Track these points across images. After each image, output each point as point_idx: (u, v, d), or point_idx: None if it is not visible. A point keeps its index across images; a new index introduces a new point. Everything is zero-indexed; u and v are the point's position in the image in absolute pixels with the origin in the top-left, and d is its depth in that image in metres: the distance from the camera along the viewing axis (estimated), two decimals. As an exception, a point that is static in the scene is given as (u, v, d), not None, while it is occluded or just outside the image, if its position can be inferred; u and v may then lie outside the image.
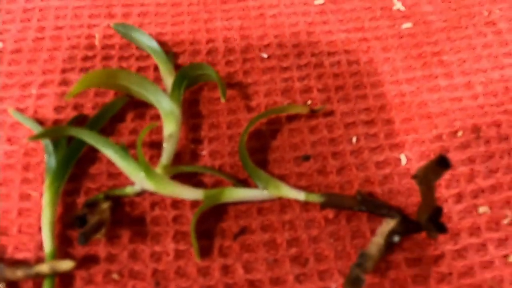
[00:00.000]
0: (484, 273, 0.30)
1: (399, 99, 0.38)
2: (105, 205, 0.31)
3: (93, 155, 0.35)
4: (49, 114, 0.37)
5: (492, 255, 0.31)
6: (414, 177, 0.28)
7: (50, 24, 0.42)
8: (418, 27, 0.43)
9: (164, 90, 0.37)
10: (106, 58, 0.40)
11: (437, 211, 0.28)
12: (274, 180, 0.33)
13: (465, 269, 0.30)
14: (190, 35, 0.42)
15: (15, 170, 0.34)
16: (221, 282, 0.30)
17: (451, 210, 0.32)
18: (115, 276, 0.30)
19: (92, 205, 0.31)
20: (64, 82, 0.38)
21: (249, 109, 0.37)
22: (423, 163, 0.34)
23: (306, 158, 0.35)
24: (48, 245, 0.30)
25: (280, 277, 0.30)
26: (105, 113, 0.36)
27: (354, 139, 0.36)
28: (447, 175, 0.34)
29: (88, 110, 0.37)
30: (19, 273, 0.28)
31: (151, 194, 0.33)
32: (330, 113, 0.37)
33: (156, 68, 0.39)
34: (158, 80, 0.38)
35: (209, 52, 0.41)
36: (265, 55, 0.40)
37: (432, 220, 0.28)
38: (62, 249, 0.31)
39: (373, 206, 0.32)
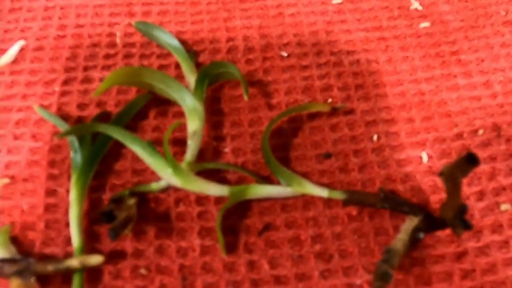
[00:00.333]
0: (507, 270, 0.31)
1: (419, 97, 0.38)
2: (131, 201, 0.31)
3: (117, 152, 0.35)
4: (73, 111, 0.37)
5: (514, 252, 0.31)
6: (440, 174, 0.28)
7: (71, 22, 0.42)
8: (435, 27, 0.43)
9: (187, 87, 0.37)
10: (128, 56, 0.40)
11: (463, 208, 0.29)
12: (297, 177, 0.33)
13: (488, 266, 0.31)
14: (210, 34, 0.42)
15: (40, 166, 0.34)
16: (247, 277, 0.30)
17: (473, 207, 0.33)
18: (142, 271, 0.30)
19: (118, 201, 0.32)
20: (87, 80, 0.39)
21: (270, 107, 0.38)
22: (444, 161, 0.35)
23: (328, 155, 0.35)
24: (76, 240, 0.30)
25: (305, 273, 0.30)
26: (128, 110, 0.36)
27: (375, 137, 0.36)
28: (468, 173, 0.34)
29: (111, 107, 0.37)
30: (49, 267, 0.28)
31: (175, 190, 0.33)
32: (351, 111, 0.38)
33: (177, 66, 0.40)
34: (179, 78, 0.39)
35: (229, 51, 0.41)
36: (284, 54, 0.41)
37: (458, 217, 0.28)
38: (89, 244, 0.31)
39: (396, 203, 0.32)
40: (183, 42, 0.41)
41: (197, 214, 0.33)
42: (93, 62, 0.40)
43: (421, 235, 0.29)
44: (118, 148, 0.35)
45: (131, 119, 0.36)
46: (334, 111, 0.37)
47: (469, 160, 0.26)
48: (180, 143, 0.35)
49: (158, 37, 0.40)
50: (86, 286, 0.29)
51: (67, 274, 0.30)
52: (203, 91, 0.36)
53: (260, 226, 0.32)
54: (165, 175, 0.31)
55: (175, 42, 0.39)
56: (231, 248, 0.31)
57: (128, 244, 0.31)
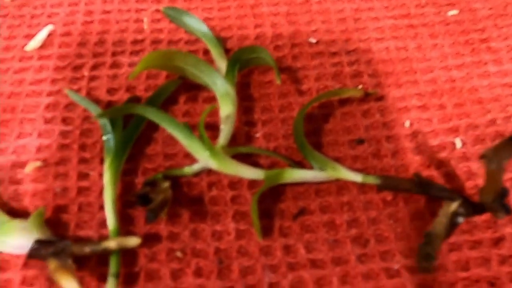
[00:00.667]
0: (545, 256, 0.30)
1: (450, 84, 0.38)
2: (166, 184, 0.31)
3: (148, 136, 0.35)
4: (102, 96, 0.37)
5: (552, 238, 0.31)
6: (482, 156, 0.28)
7: (98, 8, 0.42)
8: (464, 14, 0.43)
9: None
10: (155, 42, 0.40)
11: (504, 192, 0.28)
12: (331, 162, 0.33)
13: (526, 251, 0.30)
14: (238, 20, 0.42)
15: (72, 150, 0.34)
16: (283, 261, 0.30)
17: (509, 193, 0.32)
18: (178, 254, 0.30)
19: (152, 185, 0.31)
20: (115, 65, 0.39)
21: (300, 93, 0.38)
22: (478, 147, 0.34)
23: (360, 141, 0.35)
24: (111, 222, 0.30)
25: (341, 257, 0.30)
26: (158, 95, 0.36)
27: (407, 123, 0.36)
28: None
29: (141, 92, 0.37)
30: (86, 249, 0.28)
31: (208, 174, 0.33)
32: (381, 98, 0.37)
33: (205, 52, 0.39)
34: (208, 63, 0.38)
35: (257, 37, 0.41)
36: (313, 40, 0.41)
37: (498, 201, 0.28)
38: (124, 227, 0.31)
39: (432, 188, 0.32)
40: (210, 29, 0.40)
41: (231, 198, 0.32)
42: (121, 47, 0.40)
43: (461, 219, 0.29)
44: (149, 133, 0.35)
45: (161, 104, 0.36)
46: (365, 98, 0.37)
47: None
48: (211, 128, 0.35)
49: (187, 22, 0.40)
50: (122, 268, 0.29)
51: (102, 257, 0.29)
52: (234, 76, 0.36)
53: (294, 210, 0.32)
54: (202, 157, 0.31)
55: (204, 28, 0.39)
56: (266, 232, 0.31)
57: (162, 227, 0.31)
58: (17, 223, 0.29)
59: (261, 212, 0.32)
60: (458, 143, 0.35)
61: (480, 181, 0.33)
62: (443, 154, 0.34)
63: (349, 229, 0.31)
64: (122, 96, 0.37)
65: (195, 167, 0.33)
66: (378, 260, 0.30)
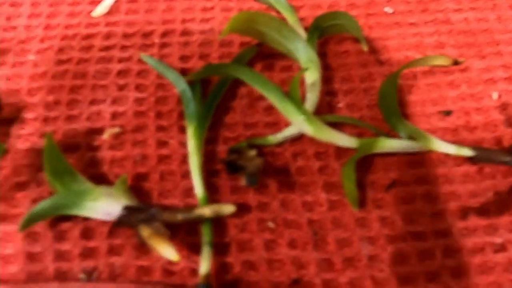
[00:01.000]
0: None
1: (536, 56, 0.36)
2: (252, 153, 0.30)
3: (227, 105, 0.33)
4: (175, 63, 0.35)
5: None
6: None
7: (163, -25, 0.40)
8: (543, -14, 0.41)
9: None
10: (225, 9, 0.39)
11: None
12: (423, 132, 0.31)
13: None
14: (308, -11, 0.40)
15: (148, 117, 0.33)
16: (381, 234, 0.28)
17: None
18: (270, 224, 0.28)
19: (237, 152, 0.30)
20: (186, 32, 0.37)
21: (381, 63, 0.36)
22: None
23: (448, 113, 0.33)
24: (200, 191, 0.29)
25: (443, 230, 0.28)
26: (237, 62, 0.34)
27: (495, 95, 0.34)
28: None
29: (215, 60, 0.35)
30: (179, 216, 0.27)
31: (291, 144, 0.32)
32: (466, 69, 0.36)
33: (277, 21, 0.38)
34: (282, 32, 0.37)
35: (330, 6, 0.39)
36: (390, 10, 0.39)
37: None
38: (209, 196, 0.29)
39: (532, 160, 0.30)
40: (281, -3, 0.39)
41: (318, 169, 0.31)
42: (190, 15, 0.38)
43: None
44: (227, 102, 0.33)
45: (237, 72, 0.35)
46: (449, 69, 0.35)
47: None
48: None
49: (258, -10, 0.38)
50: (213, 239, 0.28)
51: (192, 226, 0.28)
52: (314, 43, 0.34)
53: (386, 181, 0.30)
54: (298, 121, 0.29)
55: (277, -5, 0.37)
56: (359, 203, 0.29)
57: (250, 197, 0.29)
58: (103, 189, 0.28)
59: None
60: (553, 115, 0.33)
61: None
62: (538, 127, 0.33)
63: (447, 202, 0.29)
64: (195, 63, 0.35)
65: (279, 136, 0.31)
66: (482, 234, 0.28)
